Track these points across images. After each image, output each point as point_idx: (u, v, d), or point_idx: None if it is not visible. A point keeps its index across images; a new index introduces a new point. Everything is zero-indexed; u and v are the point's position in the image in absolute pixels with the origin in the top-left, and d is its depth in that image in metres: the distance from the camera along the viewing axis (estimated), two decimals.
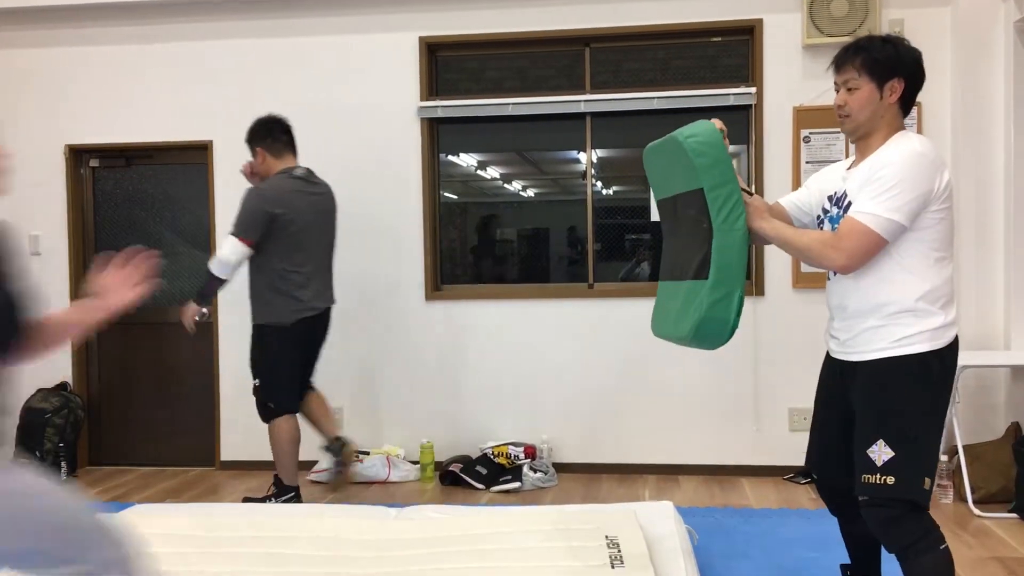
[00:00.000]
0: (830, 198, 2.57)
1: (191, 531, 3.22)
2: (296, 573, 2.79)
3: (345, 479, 4.80)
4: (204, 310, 4.71)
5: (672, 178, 2.69)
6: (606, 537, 2.98)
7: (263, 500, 4.47)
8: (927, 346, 2.37)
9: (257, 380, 4.51)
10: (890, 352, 2.39)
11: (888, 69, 2.43)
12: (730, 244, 2.47)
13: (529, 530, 3.12)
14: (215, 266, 4.40)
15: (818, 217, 2.64)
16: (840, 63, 2.51)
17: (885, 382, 2.41)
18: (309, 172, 4.63)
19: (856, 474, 2.45)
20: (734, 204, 2.48)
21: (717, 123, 2.56)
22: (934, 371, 2.39)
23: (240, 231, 4.36)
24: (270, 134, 4.55)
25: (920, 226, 2.36)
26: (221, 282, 4.44)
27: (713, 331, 2.50)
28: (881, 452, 2.37)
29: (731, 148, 5.32)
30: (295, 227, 4.41)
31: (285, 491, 4.47)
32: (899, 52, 2.45)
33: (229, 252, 4.37)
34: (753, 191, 2.56)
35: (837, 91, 2.52)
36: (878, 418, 2.41)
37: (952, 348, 2.43)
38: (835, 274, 2.52)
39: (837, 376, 2.59)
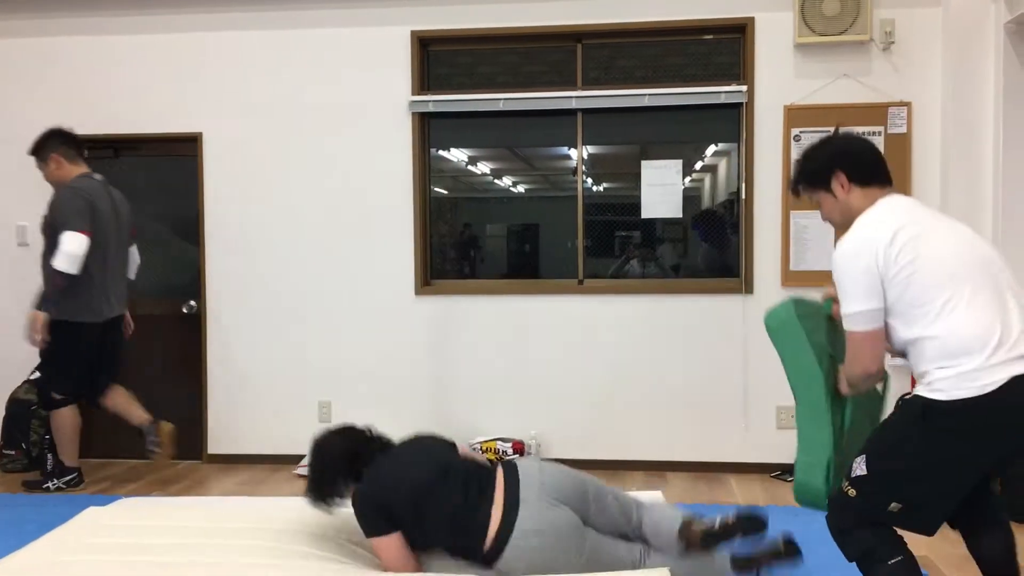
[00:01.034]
0: None
1: (184, 522, 3.23)
2: (292, 567, 2.79)
3: (165, 456, 4.95)
4: (192, 302, 4.71)
5: None
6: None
7: (43, 483, 4.84)
8: (924, 392, 2.34)
9: (40, 372, 4.83)
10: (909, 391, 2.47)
11: (820, 176, 2.59)
12: (808, 414, 2.63)
13: None
14: (62, 262, 4.51)
15: None
16: (797, 193, 2.71)
17: (894, 413, 2.49)
18: (105, 179, 4.90)
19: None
20: (811, 376, 2.61)
21: (827, 294, 2.76)
22: (931, 420, 2.31)
23: (73, 225, 4.53)
24: (64, 142, 4.82)
25: (896, 293, 2.36)
26: (68, 278, 4.54)
27: (810, 498, 2.64)
28: (858, 466, 2.43)
29: (721, 147, 5.35)
30: (101, 225, 4.67)
31: (68, 472, 4.84)
32: (817, 156, 2.62)
33: (73, 246, 4.52)
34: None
35: None
36: (872, 435, 2.51)
37: (972, 404, 2.25)
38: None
39: None
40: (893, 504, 2.37)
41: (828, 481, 2.57)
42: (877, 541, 2.42)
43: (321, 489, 2.91)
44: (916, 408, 2.36)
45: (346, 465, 2.90)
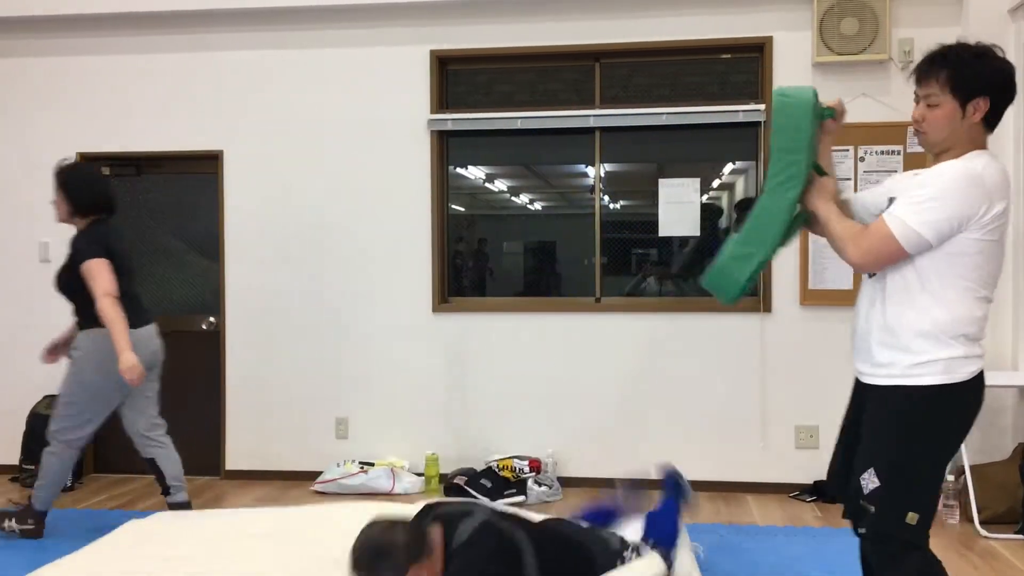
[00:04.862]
0: (890, 200, 2.42)
1: (223, 532, 3.28)
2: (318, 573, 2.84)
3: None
4: (211, 319, 4.63)
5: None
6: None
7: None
8: (937, 379, 2.25)
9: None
10: (897, 380, 2.30)
11: (974, 87, 2.26)
12: (771, 208, 2.43)
13: None
14: None
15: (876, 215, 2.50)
16: (923, 75, 2.32)
17: (887, 411, 2.33)
18: None
19: (844, 497, 2.42)
20: (794, 173, 2.41)
21: (834, 102, 2.50)
22: (940, 405, 2.27)
23: None
24: None
25: (953, 250, 2.23)
26: None
27: (722, 284, 2.48)
28: (869, 481, 2.30)
29: (739, 164, 5.34)
30: None
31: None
32: (989, 69, 2.28)
33: None
34: (828, 173, 2.53)
35: (916, 102, 2.37)
36: (873, 445, 2.35)
37: (969, 385, 2.28)
38: (868, 277, 2.44)
39: (860, 393, 2.51)
40: (911, 515, 2.26)
41: (751, 278, 2.43)
42: (920, 569, 2.30)
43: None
44: (914, 399, 2.27)
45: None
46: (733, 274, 2.45)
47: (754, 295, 5.18)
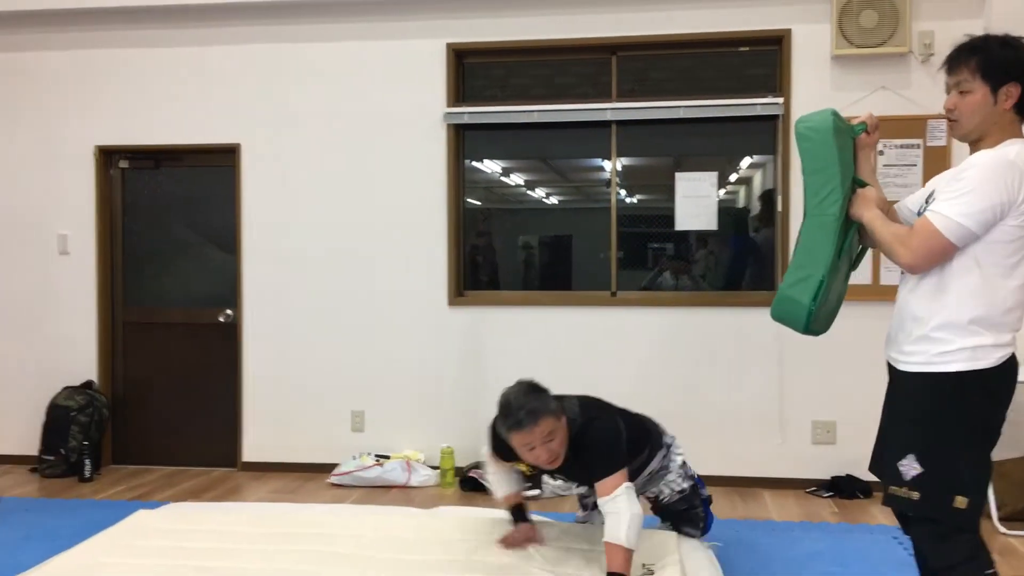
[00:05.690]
0: (928, 197, 2.48)
1: (231, 528, 3.29)
2: (339, 573, 2.84)
3: None
4: (229, 311, 4.63)
5: None
6: (643, 566, 3.02)
7: None
8: (965, 365, 2.28)
9: None
10: (927, 368, 2.32)
11: (1005, 73, 2.30)
12: (815, 228, 2.48)
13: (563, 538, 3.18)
14: None
15: (918, 215, 2.53)
16: (953, 64, 2.38)
17: (919, 397, 2.35)
18: None
19: (885, 484, 2.41)
20: (831, 190, 2.46)
21: (859, 117, 2.56)
22: (972, 390, 2.29)
23: None
24: None
25: (993, 238, 2.26)
26: None
27: (789, 312, 2.50)
28: (910, 467, 2.32)
29: (757, 158, 5.31)
30: None
31: None
32: (1020, 55, 2.32)
33: None
34: (867, 184, 2.57)
35: (948, 92, 2.42)
36: (910, 432, 2.36)
37: (998, 370, 2.30)
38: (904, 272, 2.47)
39: (891, 380, 2.52)
40: (958, 498, 2.27)
41: (815, 300, 2.46)
42: (972, 551, 2.31)
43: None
44: (946, 386, 2.29)
45: None
46: (796, 299, 2.48)
47: (771, 289, 5.15)
